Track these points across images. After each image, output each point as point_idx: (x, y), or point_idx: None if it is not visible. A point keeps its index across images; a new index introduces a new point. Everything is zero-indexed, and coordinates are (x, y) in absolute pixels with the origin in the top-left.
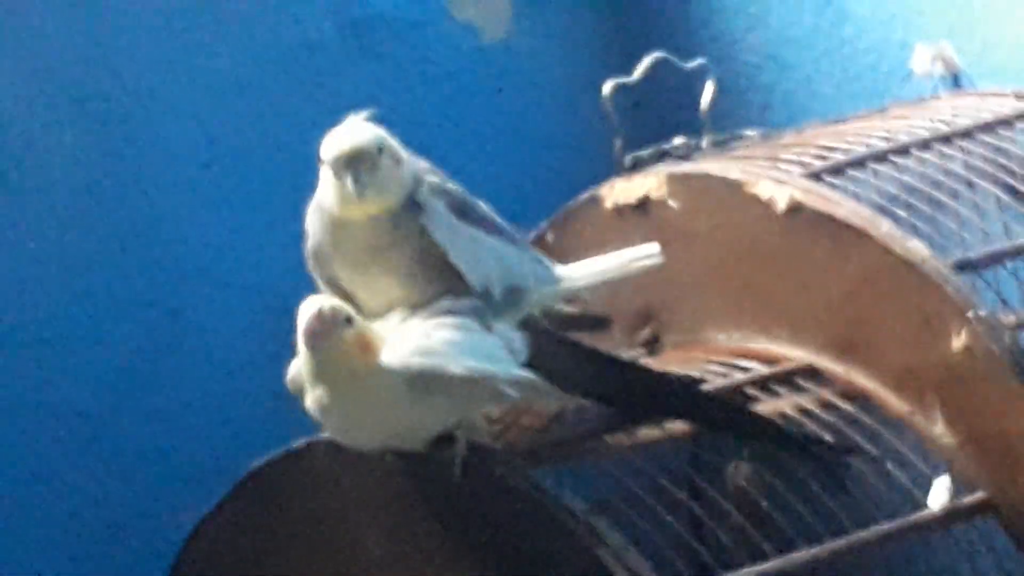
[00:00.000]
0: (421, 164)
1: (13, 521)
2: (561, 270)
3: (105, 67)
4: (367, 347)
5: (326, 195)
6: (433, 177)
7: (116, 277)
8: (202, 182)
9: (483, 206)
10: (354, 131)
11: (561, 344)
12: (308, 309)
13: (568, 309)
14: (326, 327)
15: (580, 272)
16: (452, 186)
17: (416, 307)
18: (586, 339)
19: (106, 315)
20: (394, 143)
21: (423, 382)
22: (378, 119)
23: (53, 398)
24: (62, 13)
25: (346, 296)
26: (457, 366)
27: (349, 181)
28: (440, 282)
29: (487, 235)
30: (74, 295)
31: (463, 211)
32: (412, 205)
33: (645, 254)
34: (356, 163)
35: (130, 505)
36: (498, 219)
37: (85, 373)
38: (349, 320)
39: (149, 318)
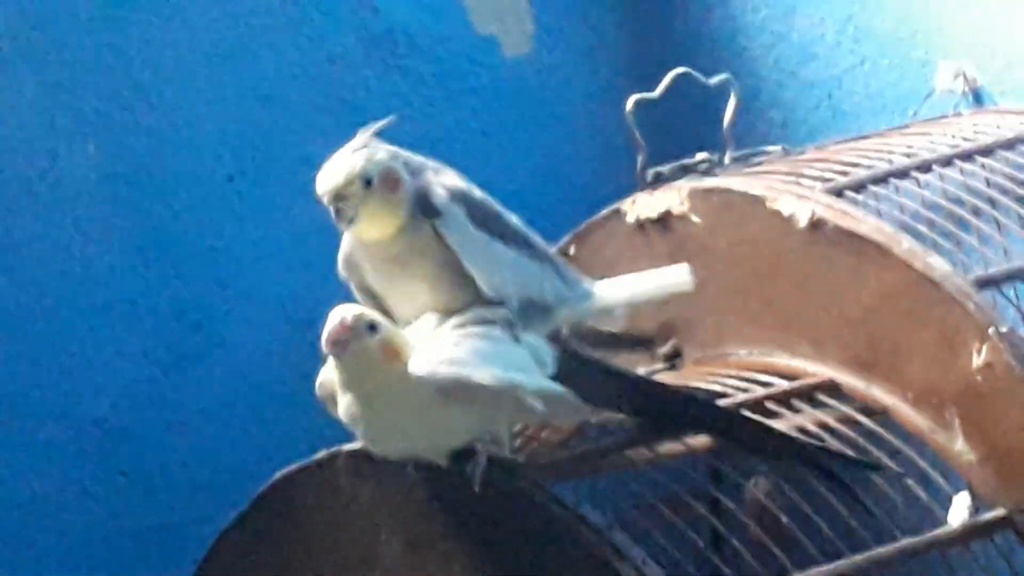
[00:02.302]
0: (447, 172)
1: (36, 530)
2: (594, 286)
3: (129, 80)
4: (394, 354)
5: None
6: (458, 182)
7: (140, 289)
8: (226, 195)
9: (511, 218)
10: (340, 164)
11: (587, 362)
12: (333, 317)
13: (608, 328)
14: (348, 334)
15: (612, 291)
16: (478, 194)
17: (447, 312)
18: (611, 357)
19: (129, 326)
20: (394, 164)
21: (452, 391)
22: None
23: (76, 409)
24: (86, 27)
25: (378, 301)
26: (483, 375)
27: (333, 216)
28: (469, 288)
29: (506, 246)
30: (98, 306)
31: (483, 220)
32: (431, 211)
33: (677, 278)
34: (338, 199)
35: (152, 515)
36: (527, 233)
37: (108, 384)
38: (374, 327)
39: (172, 330)
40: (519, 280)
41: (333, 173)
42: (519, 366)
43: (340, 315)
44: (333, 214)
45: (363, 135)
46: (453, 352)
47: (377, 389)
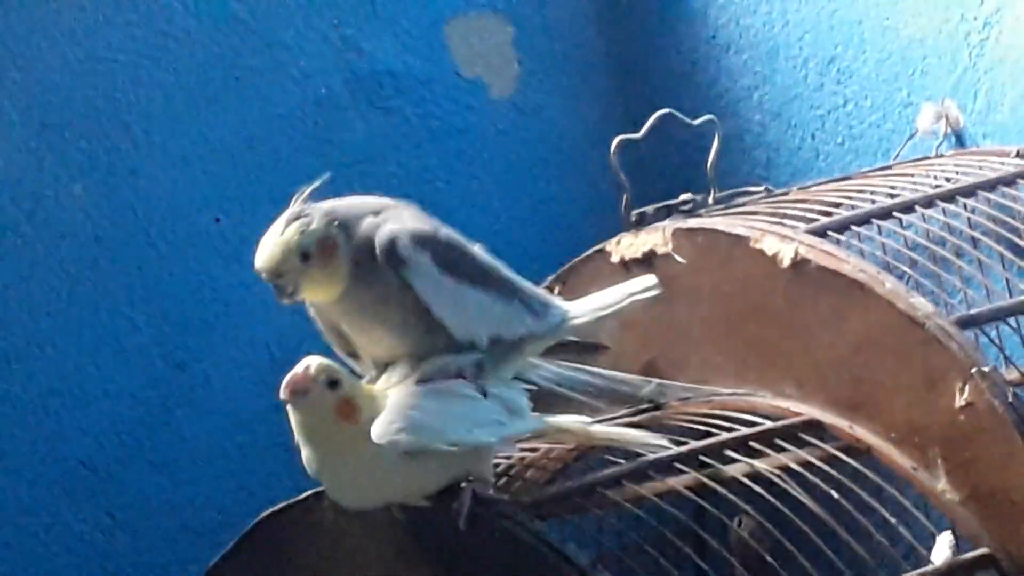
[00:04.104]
0: (406, 212)
1: (23, 572)
2: (565, 307)
3: (116, 121)
4: (349, 414)
5: None
6: (421, 224)
7: (125, 329)
8: (212, 236)
9: (475, 251)
10: (275, 241)
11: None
12: (298, 366)
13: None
14: (306, 385)
15: (582, 309)
16: (442, 234)
17: (418, 357)
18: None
19: (114, 367)
20: (329, 230)
21: (414, 452)
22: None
23: (62, 449)
24: (73, 68)
25: (348, 342)
26: (443, 441)
27: (274, 292)
28: (437, 332)
29: (472, 288)
30: (83, 347)
31: (449, 263)
32: (396, 260)
33: (644, 287)
34: (277, 276)
35: (137, 556)
36: (493, 266)
37: (94, 425)
38: (335, 383)
39: (158, 370)
40: (488, 322)
41: (269, 251)
42: (484, 421)
43: (305, 364)
44: (273, 291)
45: (296, 202)
46: (413, 416)
47: (330, 446)
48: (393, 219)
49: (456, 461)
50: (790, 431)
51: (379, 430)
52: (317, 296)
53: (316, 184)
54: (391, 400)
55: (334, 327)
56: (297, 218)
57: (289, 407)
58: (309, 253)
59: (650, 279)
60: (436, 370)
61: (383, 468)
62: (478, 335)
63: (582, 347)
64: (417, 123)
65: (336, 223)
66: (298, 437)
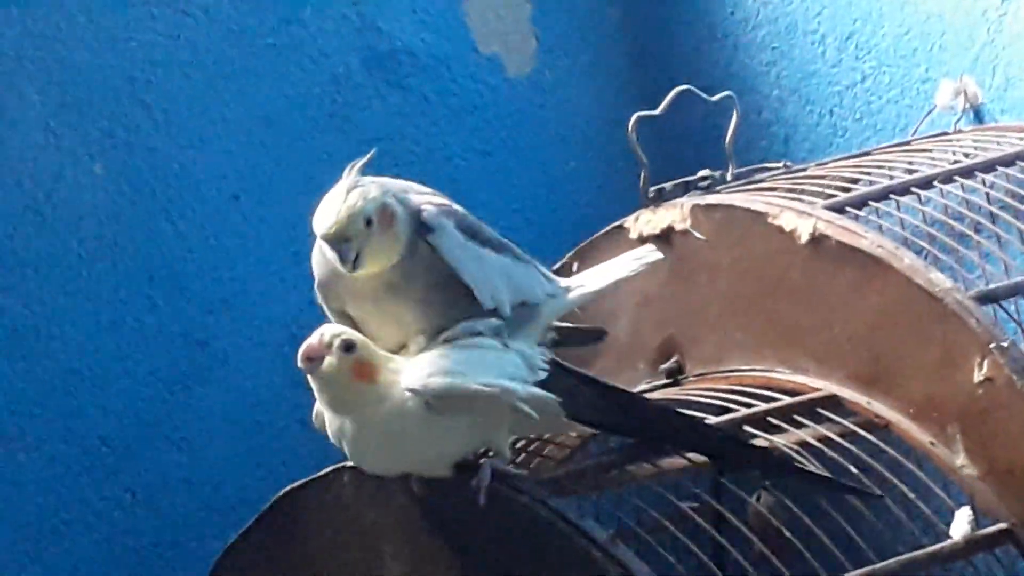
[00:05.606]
0: (419, 188)
1: (42, 548)
2: (566, 282)
3: (135, 100)
4: (367, 373)
5: (328, 252)
6: (440, 199)
7: (145, 308)
8: (230, 214)
9: (488, 228)
10: (339, 205)
11: (575, 375)
12: (312, 335)
13: (563, 324)
14: (321, 351)
15: (584, 282)
16: (459, 208)
17: (432, 334)
18: (602, 374)
19: (134, 346)
20: (387, 199)
21: (441, 403)
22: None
23: (82, 427)
24: (92, 47)
25: (357, 326)
26: (474, 382)
27: (338, 259)
28: (453, 306)
29: (495, 253)
30: (102, 326)
31: (471, 231)
32: (421, 227)
33: (646, 256)
34: (342, 241)
35: (158, 533)
36: (503, 240)
37: (114, 403)
38: (350, 347)
39: (177, 348)
40: (511, 284)
41: (334, 215)
42: (510, 373)
43: (319, 332)
44: (336, 257)
45: (352, 173)
46: (443, 363)
47: (351, 408)
48: (416, 193)
49: (477, 426)
50: (808, 407)
51: (410, 378)
52: (374, 266)
53: (365, 159)
54: (418, 357)
55: (342, 312)
56: (355, 187)
57: (308, 376)
58: (371, 219)
59: (650, 248)
60: (456, 332)
61: (406, 429)
62: (502, 299)
63: (586, 336)
64: (435, 101)
65: (391, 193)
66: (320, 405)
